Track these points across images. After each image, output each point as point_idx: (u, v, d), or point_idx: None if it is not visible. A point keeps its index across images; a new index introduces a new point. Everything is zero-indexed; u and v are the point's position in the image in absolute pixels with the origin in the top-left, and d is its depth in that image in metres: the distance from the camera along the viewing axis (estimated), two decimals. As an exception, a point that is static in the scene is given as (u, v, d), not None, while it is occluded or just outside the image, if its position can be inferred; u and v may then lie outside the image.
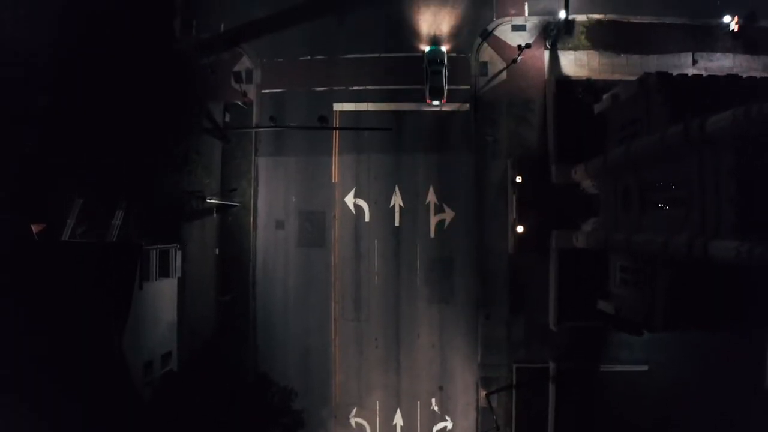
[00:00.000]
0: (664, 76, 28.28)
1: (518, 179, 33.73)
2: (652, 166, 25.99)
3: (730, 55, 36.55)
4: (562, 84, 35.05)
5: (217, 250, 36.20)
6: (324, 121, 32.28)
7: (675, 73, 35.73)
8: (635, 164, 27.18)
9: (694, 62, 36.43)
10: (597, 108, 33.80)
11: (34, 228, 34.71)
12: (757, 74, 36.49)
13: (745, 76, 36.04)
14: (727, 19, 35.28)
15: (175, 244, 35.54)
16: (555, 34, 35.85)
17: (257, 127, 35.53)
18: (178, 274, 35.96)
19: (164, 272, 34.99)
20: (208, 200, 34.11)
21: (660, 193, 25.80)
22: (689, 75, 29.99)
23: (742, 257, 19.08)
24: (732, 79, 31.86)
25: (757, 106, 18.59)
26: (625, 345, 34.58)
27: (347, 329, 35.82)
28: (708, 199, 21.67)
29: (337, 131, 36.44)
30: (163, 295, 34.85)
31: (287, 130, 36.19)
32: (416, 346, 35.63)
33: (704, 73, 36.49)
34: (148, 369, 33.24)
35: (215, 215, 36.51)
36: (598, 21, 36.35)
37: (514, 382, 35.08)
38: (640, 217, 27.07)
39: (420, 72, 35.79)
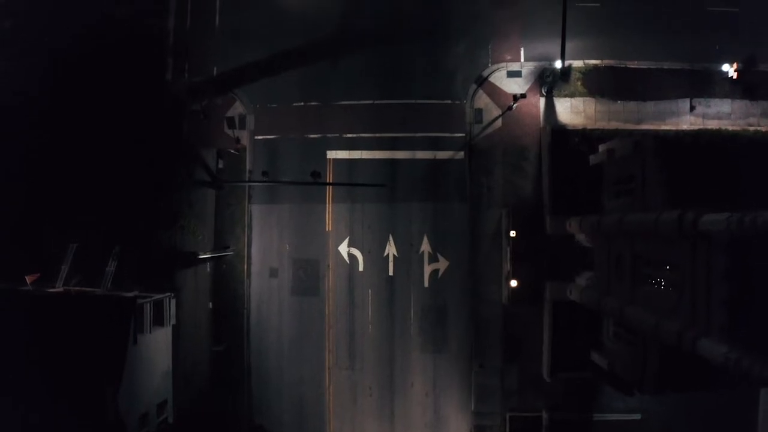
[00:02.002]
0: (660, 141, 27.95)
1: (512, 233, 33.55)
2: (646, 241, 25.80)
3: (729, 101, 36.09)
4: (558, 133, 34.67)
5: (210, 305, 36.18)
6: (317, 176, 32.03)
7: (672, 119, 36.14)
8: (628, 235, 26.99)
9: (692, 108, 36.01)
10: (593, 159, 33.52)
11: (28, 278, 34.67)
12: (755, 119, 36.24)
13: (743, 122, 36.26)
14: (725, 67, 34.80)
15: (169, 293, 35.51)
16: (551, 81, 35.40)
17: (250, 181, 35.33)
18: (173, 322, 36.02)
19: (158, 321, 35.01)
20: (200, 257, 34.04)
21: (653, 269, 25.65)
22: (687, 137, 29.64)
23: (730, 365, 19.04)
24: (730, 139, 31.64)
25: (750, 215, 18.34)
26: (618, 394, 34.59)
27: (341, 378, 35.96)
28: (699, 293, 21.52)
29: (331, 175, 36.27)
30: (157, 345, 34.93)
31: (281, 175, 36.07)
32: (410, 394, 35.78)
33: (702, 120, 36.36)
34: (144, 421, 33.46)
35: (209, 265, 36.42)
36: (595, 67, 35.87)
37: (508, 430, 35.28)
38: (632, 288, 26.94)
39: (413, 119, 35.52)
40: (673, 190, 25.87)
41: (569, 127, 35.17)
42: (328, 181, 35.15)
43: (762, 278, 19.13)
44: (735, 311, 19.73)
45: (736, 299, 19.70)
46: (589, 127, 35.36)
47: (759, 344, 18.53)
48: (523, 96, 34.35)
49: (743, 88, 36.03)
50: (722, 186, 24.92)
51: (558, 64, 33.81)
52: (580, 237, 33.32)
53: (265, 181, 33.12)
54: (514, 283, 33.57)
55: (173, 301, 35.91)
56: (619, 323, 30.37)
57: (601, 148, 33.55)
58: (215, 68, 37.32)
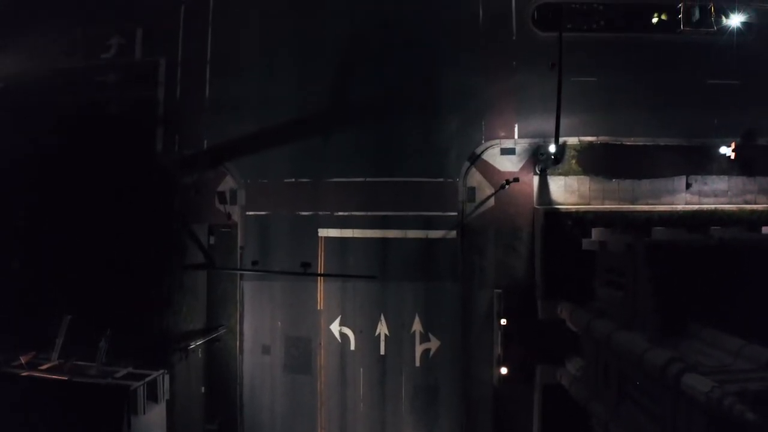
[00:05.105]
0: (654, 249, 27.41)
1: (503, 321, 33.53)
2: (632, 366, 25.66)
3: (726, 178, 35.57)
4: (551, 216, 34.33)
5: (203, 389, 36.45)
6: (307, 267, 31.86)
7: (667, 198, 35.59)
8: (616, 354, 26.87)
9: (688, 186, 35.50)
10: (585, 244, 33.26)
11: (23, 358, 34.91)
12: (752, 196, 35.69)
13: (739, 199, 35.68)
14: (723, 149, 34.16)
15: (162, 370, 35.71)
16: (545, 160, 34.90)
17: (241, 269, 35.28)
18: (167, 397, 36.30)
19: (152, 397, 35.32)
20: (190, 347, 34.28)
21: (637, 393, 25.58)
22: (680, 242, 28.95)
23: None
24: (723, 244, 31.12)
25: (731, 398, 18.19)
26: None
27: (334, 455, 36.44)
28: (681, 438, 21.53)
29: (323, 253, 36.21)
30: (152, 424, 35.29)
31: (272, 252, 36.10)
32: (401, 472, 36.26)
33: (698, 198, 35.77)
34: (140, 502, 33.99)
35: (201, 344, 36.64)
36: (590, 144, 35.31)
37: (498, 507, 35.76)
38: (617, 403, 26.92)
39: (405, 197, 35.30)
40: (663, 299, 25.72)
41: (562, 209, 34.77)
42: (319, 263, 35.11)
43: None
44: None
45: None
46: (583, 206, 34.95)
47: None
48: (516, 180, 34.14)
49: (741, 165, 35.45)
50: (716, 296, 24.80)
51: (552, 148, 33.24)
52: (571, 324, 33.24)
53: (255, 270, 33.08)
54: (504, 370, 33.68)
55: (167, 377, 36.17)
56: None
57: (594, 234, 33.24)
58: (206, 141, 36.95)
